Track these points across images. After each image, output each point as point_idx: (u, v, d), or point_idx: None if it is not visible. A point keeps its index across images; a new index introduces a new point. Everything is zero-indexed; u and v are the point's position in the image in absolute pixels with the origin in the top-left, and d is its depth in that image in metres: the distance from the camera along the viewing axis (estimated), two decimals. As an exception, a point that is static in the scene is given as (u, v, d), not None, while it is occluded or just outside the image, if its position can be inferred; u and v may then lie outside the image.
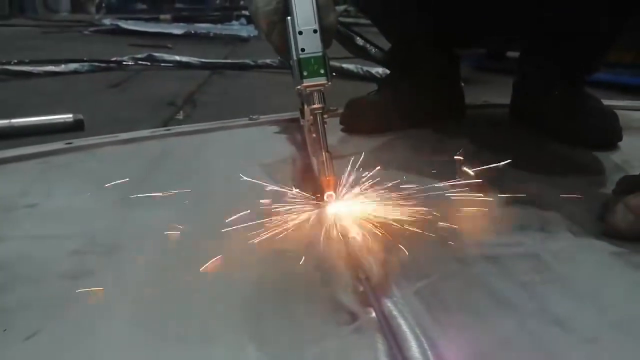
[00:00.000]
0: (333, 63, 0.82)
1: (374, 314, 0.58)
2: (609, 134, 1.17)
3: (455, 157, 0.86)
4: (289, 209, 0.75)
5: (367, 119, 1.26)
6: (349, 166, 0.81)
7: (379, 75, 2.18)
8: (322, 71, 0.78)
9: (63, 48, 3.30)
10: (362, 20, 2.42)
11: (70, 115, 1.50)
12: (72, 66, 2.54)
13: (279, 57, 0.95)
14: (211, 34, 4.32)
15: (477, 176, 0.83)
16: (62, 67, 2.51)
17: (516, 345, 0.55)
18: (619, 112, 1.21)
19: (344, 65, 2.37)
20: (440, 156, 0.92)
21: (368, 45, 1.57)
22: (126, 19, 5.22)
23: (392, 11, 1.28)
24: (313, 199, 0.77)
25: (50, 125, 1.48)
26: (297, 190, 0.76)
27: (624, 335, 0.56)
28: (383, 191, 0.78)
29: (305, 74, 0.78)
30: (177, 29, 4.38)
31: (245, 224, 0.71)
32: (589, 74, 1.30)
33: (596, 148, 1.12)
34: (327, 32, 0.82)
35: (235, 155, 1.13)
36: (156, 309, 0.61)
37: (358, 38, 1.61)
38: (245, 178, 0.79)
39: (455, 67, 1.39)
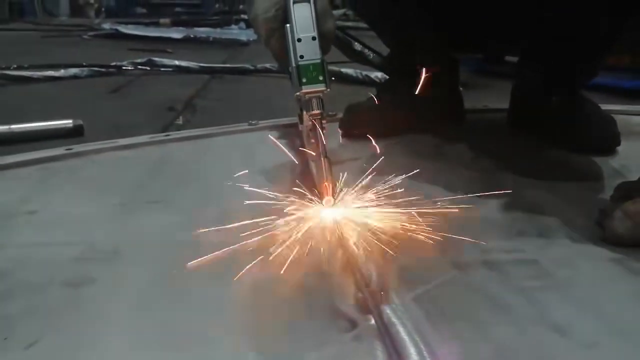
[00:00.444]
0: (332, 67, 0.83)
1: (373, 321, 0.58)
2: (608, 139, 1.17)
3: None
4: (288, 215, 0.75)
5: (366, 124, 1.26)
6: (349, 172, 0.81)
7: (378, 80, 2.18)
8: (320, 78, 0.79)
9: (62, 53, 3.31)
10: (361, 24, 2.42)
11: (70, 121, 1.50)
12: (72, 71, 2.54)
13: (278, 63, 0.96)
14: (210, 38, 4.34)
15: None
16: (61, 72, 2.51)
17: (515, 351, 0.55)
18: (617, 117, 1.22)
19: (343, 70, 2.37)
20: (440, 162, 0.93)
21: (366, 51, 1.58)
22: (126, 23, 5.25)
23: (389, 15, 1.28)
24: (312, 205, 0.77)
25: (50, 131, 1.48)
26: (296, 196, 0.77)
27: (623, 341, 0.56)
28: (382, 197, 0.78)
29: (304, 80, 0.79)
30: (177, 33, 4.40)
31: (245, 231, 0.71)
32: (587, 78, 1.30)
33: (595, 153, 1.13)
34: (326, 39, 0.83)
35: (235, 161, 1.14)
36: (156, 316, 0.61)
37: (356, 43, 1.61)
38: (245, 184, 0.79)
39: (454, 72, 1.39)
